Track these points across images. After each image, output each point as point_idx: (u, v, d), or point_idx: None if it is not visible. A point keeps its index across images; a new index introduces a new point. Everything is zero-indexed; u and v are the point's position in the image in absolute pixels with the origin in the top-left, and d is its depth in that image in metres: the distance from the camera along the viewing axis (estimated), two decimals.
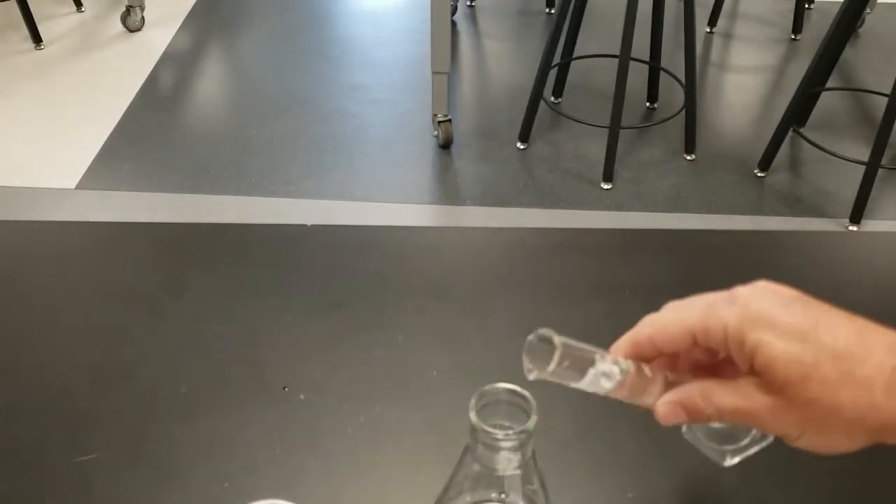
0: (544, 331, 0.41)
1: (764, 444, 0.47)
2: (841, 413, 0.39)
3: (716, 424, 0.47)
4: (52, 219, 2.08)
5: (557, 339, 0.41)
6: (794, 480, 0.59)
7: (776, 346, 0.39)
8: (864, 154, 2.14)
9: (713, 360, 0.46)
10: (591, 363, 0.43)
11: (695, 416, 0.43)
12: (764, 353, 0.40)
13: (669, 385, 0.44)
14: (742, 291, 0.42)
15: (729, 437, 0.47)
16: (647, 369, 0.44)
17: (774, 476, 0.59)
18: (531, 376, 0.42)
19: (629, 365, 0.44)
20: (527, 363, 0.42)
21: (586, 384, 0.43)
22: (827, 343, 0.39)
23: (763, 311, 0.40)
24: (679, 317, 0.43)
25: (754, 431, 0.47)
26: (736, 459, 0.47)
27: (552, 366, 0.41)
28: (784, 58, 3.02)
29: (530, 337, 0.42)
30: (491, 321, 0.72)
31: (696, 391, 0.43)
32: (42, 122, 2.58)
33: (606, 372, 0.43)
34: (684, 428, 0.49)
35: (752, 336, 0.40)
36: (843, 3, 2.15)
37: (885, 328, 0.41)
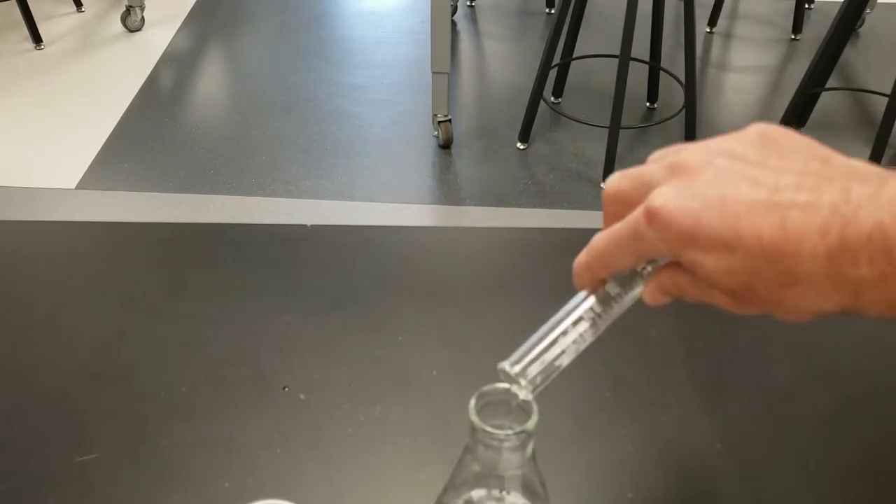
0: (500, 367, 0.42)
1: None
2: (796, 306, 0.38)
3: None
4: (52, 219, 2.08)
5: (510, 368, 0.41)
6: (794, 480, 0.59)
7: (708, 265, 0.37)
8: (864, 154, 2.14)
9: None
10: (561, 351, 0.42)
11: (676, 296, 0.42)
12: (701, 273, 0.38)
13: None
14: (663, 189, 0.38)
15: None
16: (611, 288, 0.43)
17: (774, 476, 0.59)
18: (524, 397, 0.42)
19: (591, 309, 0.43)
20: (513, 390, 0.42)
21: (570, 357, 0.43)
22: (753, 246, 0.36)
23: (683, 225, 0.37)
24: (616, 258, 0.41)
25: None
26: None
27: (523, 393, 0.41)
28: (784, 58, 3.02)
29: (500, 371, 0.42)
30: (491, 321, 0.72)
31: (669, 282, 0.41)
32: (42, 122, 2.58)
33: (577, 339, 0.43)
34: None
35: (684, 258, 0.38)
36: (843, 3, 2.15)
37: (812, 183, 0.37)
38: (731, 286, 0.38)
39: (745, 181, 0.37)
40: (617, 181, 0.42)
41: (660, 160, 0.41)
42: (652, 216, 0.38)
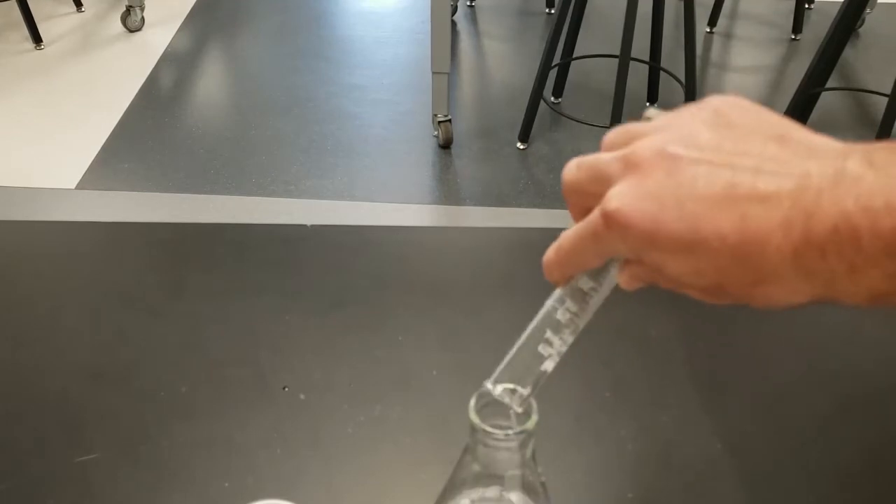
0: (484, 387, 0.41)
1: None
2: (768, 300, 0.36)
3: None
4: (52, 219, 2.08)
5: (492, 388, 0.41)
6: (794, 480, 0.59)
7: (673, 267, 0.36)
8: None
9: None
10: (545, 357, 0.42)
11: (650, 280, 0.40)
12: (667, 274, 0.37)
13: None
14: (619, 190, 0.36)
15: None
16: (584, 283, 0.42)
17: (774, 476, 0.59)
18: (518, 408, 0.41)
19: (566, 309, 0.42)
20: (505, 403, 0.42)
21: (554, 361, 0.42)
22: (716, 247, 0.34)
23: (642, 229, 0.35)
24: (582, 258, 0.40)
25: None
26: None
27: (515, 406, 0.41)
28: (784, 58, 3.02)
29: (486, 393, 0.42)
30: (491, 321, 0.72)
31: (641, 273, 0.40)
32: (42, 122, 2.58)
33: (552, 353, 0.42)
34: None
35: (647, 260, 0.37)
36: (843, 3, 2.15)
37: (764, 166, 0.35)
38: (699, 285, 0.37)
39: (701, 176, 0.35)
40: (574, 173, 0.40)
41: (614, 145, 0.39)
42: (610, 220, 0.37)
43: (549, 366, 0.42)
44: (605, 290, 0.42)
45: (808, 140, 0.36)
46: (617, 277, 0.41)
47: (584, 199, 0.40)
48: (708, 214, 0.34)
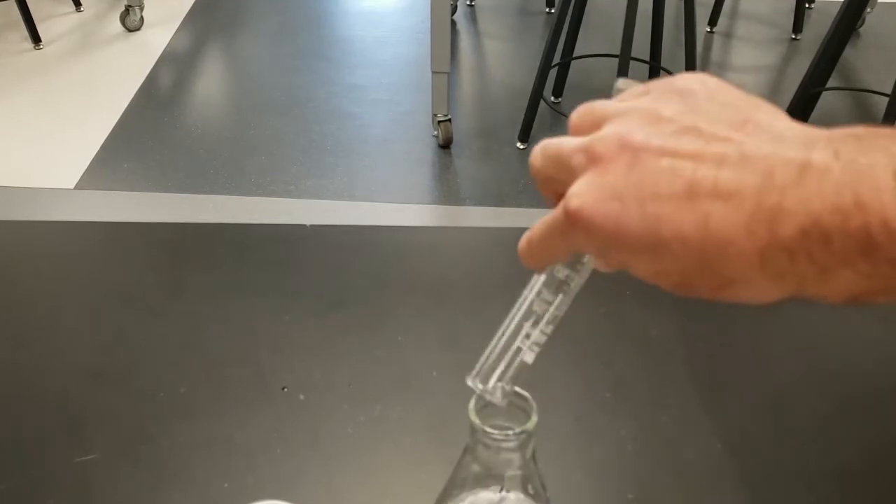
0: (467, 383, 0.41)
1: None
2: (739, 300, 0.35)
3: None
4: (51, 219, 2.08)
5: (471, 383, 0.41)
6: (794, 480, 0.59)
7: (638, 268, 0.36)
8: None
9: None
10: (522, 349, 0.42)
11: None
12: (634, 273, 0.37)
13: None
14: (580, 187, 0.36)
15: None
16: (559, 272, 0.42)
17: (774, 476, 0.59)
18: (501, 402, 0.41)
19: (543, 300, 0.42)
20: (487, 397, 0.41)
21: (534, 353, 0.42)
22: (678, 250, 0.34)
23: (604, 229, 0.35)
24: (552, 252, 0.39)
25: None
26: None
27: (497, 400, 0.41)
28: (784, 57, 3.02)
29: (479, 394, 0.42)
30: (491, 321, 0.72)
31: (616, 266, 0.39)
32: (41, 122, 2.58)
33: (531, 344, 0.42)
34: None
35: (613, 260, 0.37)
36: (844, 2, 2.15)
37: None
38: (666, 285, 0.36)
39: (664, 171, 0.34)
40: (540, 161, 0.39)
41: (579, 128, 0.38)
42: (573, 219, 0.36)
43: (529, 357, 0.41)
44: (581, 277, 0.41)
45: (773, 126, 0.34)
46: (594, 262, 0.41)
47: (553, 184, 0.39)
48: (670, 215, 0.33)
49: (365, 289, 0.75)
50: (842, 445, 0.62)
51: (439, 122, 2.42)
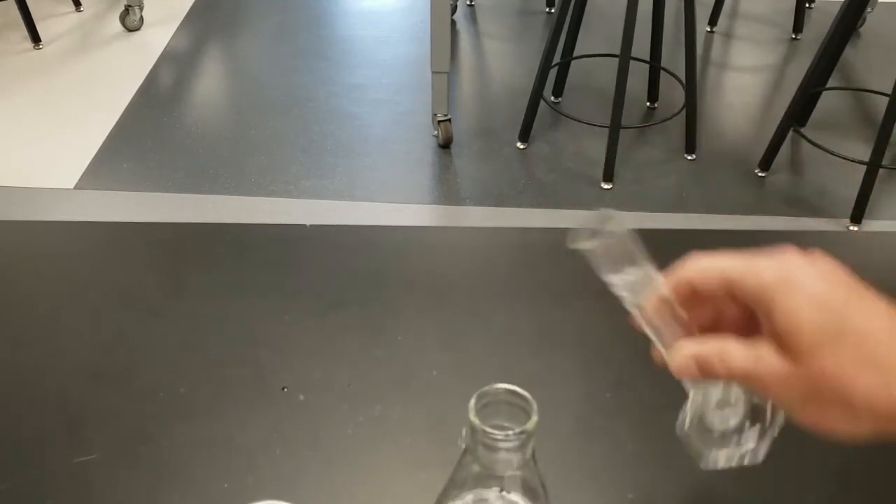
0: (606, 211, 0.44)
1: (752, 459, 0.47)
2: (852, 395, 0.38)
3: (715, 424, 0.47)
4: (51, 219, 2.08)
5: (615, 217, 0.44)
6: (795, 481, 0.59)
7: (802, 314, 0.39)
8: (864, 154, 2.14)
9: (744, 320, 0.45)
10: (633, 262, 0.44)
11: (707, 374, 0.43)
12: (789, 318, 0.39)
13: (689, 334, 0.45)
14: (787, 255, 0.42)
15: (721, 441, 0.47)
16: (679, 308, 0.45)
17: (774, 476, 0.59)
18: (574, 244, 0.43)
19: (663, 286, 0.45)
20: (583, 233, 0.44)
21: (617, 280, 0.44)
22: (855, 322, 0.38)
23: (799, 277, 0.40)
24: (721, 264, 0.43)
25: (751, 444, 0.47)
26: (720, 464, 0.47)
27: (595, 242, 0.44)
28: (784, 57, 3.02)
29: (597, 212, 0.44)
30: (491, 321, 0.72)
31: (715, 350, 0.42)
32: (41, 122, 2.58)
33: (642, 279, 0.45)
34: (679, 422, 0.49)
35: (781, 298, 0.39)
36: (844, 2, 2.15)
37: None
38: (809, 344, 0.39)
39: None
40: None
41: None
42: (780, 257, 0.42)
43: (616, 277, 0.46)
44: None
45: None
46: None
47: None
48: (862, 304, 0.40)
49: (365, 289, 0.75)
50: (842, 445, 0.62)
51: (439, 121, 2.42)
